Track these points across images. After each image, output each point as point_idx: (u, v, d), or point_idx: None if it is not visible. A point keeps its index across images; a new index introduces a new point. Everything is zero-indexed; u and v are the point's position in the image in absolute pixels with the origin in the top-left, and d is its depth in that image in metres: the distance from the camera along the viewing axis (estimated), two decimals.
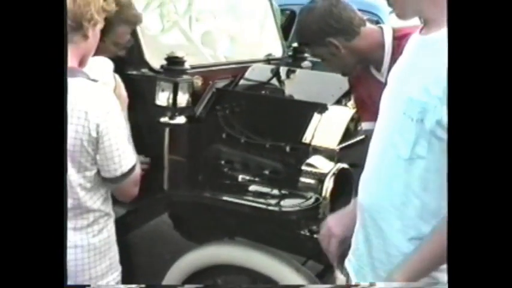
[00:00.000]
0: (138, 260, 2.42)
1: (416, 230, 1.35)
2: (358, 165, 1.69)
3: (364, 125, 2.30)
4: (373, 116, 1.51)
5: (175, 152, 2.49)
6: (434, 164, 1.30)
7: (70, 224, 1.70)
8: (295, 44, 3.17)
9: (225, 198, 2.30)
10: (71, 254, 1.71)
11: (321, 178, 2.19)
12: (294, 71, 2.94)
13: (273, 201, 2.25)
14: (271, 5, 3.43)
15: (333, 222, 1.61)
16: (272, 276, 2.17)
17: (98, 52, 2.18)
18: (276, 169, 2.39)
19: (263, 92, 2.82)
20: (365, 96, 2.27)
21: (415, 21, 1.44)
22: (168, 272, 2.38)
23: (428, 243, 1.31)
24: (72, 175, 1.67)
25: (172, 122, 2.41)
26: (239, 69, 2.84)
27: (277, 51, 3.27)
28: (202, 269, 2.33)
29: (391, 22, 2.30)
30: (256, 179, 2.41)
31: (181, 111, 2.42)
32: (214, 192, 2.37)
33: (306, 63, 3.10)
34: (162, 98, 2.39)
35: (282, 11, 4.69)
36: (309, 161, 2.25)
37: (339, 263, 1.60)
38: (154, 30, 3.01)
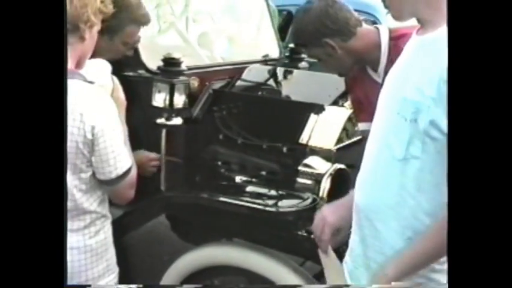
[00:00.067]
0: (136, 261, 2.42)
1: (411, 231, 1.35)
2: (355, 166, 1.69)
3: (361, 126, 2.31)
4: (370, 117, 1.51)
5: (172, 153, 2.49)
6: (428, 165, 1.30)
7: None
8: (291, 45, 3.17)
9: (222, 199, 2.31)
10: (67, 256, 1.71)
11: (318, 179, 2.19)
12: (290, 72, 2.94)
13: (270, 202, 2.26)
14: (268, 5, 3.42)
15: (328, 211, 1.61)
16: (269, 277, 2.17)
17: (106, 51, 2.22)
18: (273, 170, 2.39)
19: (260, 93, 2.82)
20: (361, 96, 2.27)
21: (412, 22, 1.45)
22: (165, 273, 2.37)
23: (422, 240, 1.32)
24: (68, 177, 1.67)
25: (169, 123, 2.41)
26: (236, 70, 2.84)
27: (274, 52, 3.27)
28: (199, 270, 2.32)
29: (388, 23, 2.30)
30: (253, 180, 2.41)
31: (178, 112, 2.42)
32: (212, 193, 2.37)
33: (302, 64, 3.10)
34: (159, 99, 2.39)
35: (279, 11, 4.69)
36: (306, 161, 2.26)
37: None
38: (151, 32, 3.01)
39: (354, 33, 2.17)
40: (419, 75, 1.30)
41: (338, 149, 2.31)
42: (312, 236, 1.66)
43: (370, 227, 1.42)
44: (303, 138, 2.32)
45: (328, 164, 2.24)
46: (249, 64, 2.91)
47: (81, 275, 1.76)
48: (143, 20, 2.35)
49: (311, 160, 2.26)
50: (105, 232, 1.83)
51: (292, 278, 2.13)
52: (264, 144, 2.39)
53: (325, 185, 2.16)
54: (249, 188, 2.37)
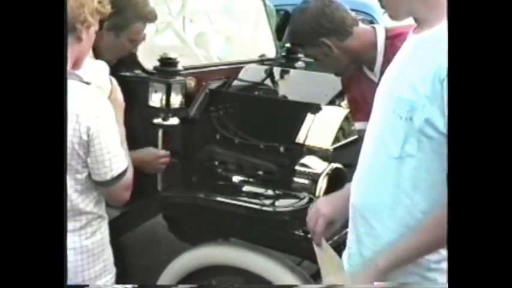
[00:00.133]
0: (133, 261, 2.42)
1: (407, 229, 1.35)
2: (351, 165, 1.69)
3: (357, 125, 2.31)
4: (366, 116, 1.51)
5: None
6: (424, 163, 1.31)
7: None
8: (288, 45, 3.17)
9: (219, 199, 2.31)
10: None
11: (314, 178, 2.19)
12: (287, 72, 2.94)
13: (267, 202, 2.26)
14: (265, 5, 3.42)
15: (321, 203, 1.61)
16: (266, 277, 2.17)
17: (113, 49, 2.26)
18: (270, 169, 2.39)
19: (256, 92, 2.82)
20: (358, 96, 2.27)
21: (409, 21, 1.45)
22: (162, 273, 2.37)
23: (415, 233, 1.33)
24: None
25: (165, 123, 2.41)
26: (232, 70, 2.84)
27: (271, 52, 3.27)
28: (196, 269, 2.32)
29: (385, 22, 2.31)
30: (250, 180, 2.41)
31: (175, 112, 2.41)
32: (209, 193, 2.37)
33: (299, 64, 3.10)
34: (155, 99, 2.39)
35: (276, 11, 4.69)
36: (303, 161, 2.26)
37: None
38: (148, 32, 3.01)
39: (351, 32, 2.16)
40: (413, 73, 1.30)
41: (335, 149, 2.31)
42: (309, 235, 1.66)
43: (365, 225, 1.43)
44: (300, 138, 2.32)
45: (325, 164, 2.24)
46: (245, 64, 2.91)
47: (78, 276, 1.76)
48: (149, 17, 2.37)
49: (308, 160, 2.26)
50: (102, 233, 1.83)
51: (289, 278, 2.13)
52: (261, 144, 2.39)
53: (322, 184, 2.16)
54: (246, 188, 2.37)
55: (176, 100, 2.40)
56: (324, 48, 2.17)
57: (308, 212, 1.61)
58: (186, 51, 3.06)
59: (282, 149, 2.35)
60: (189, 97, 2.50)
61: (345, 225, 1.55)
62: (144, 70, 2.52)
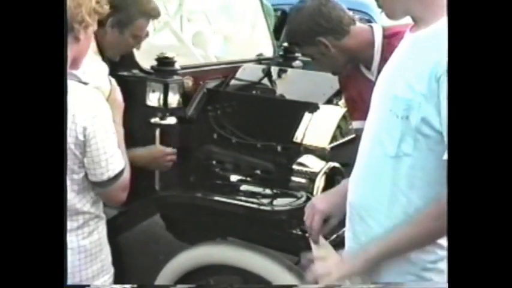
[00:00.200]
0: (131, 261, 2.41)
1: None
2: (349, 164, 1.70)
3: (355, 124, 2.30)
4: (364, 115, 1.51)
5: None
6: (420, 162, 1.31)
7: None
8: (285, 44, 3.17)
9: (216, 198, 2.31)
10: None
11: (312, 177, 2.20)
12: (285, 71, 2.95)
13: (265, 201, 2.26)
14: (262, 5, 3.43)
15: (318, 199, 1.62)
16: (264, 276, 2.17)
17: (116, 45, 2.28)
18: (267, 169, 2.39)
19: (254, 92, 2.82)
20: (355, 95, 2.27)
21: (407, 20, 1.45)
22: (160, 273, 2.37)
23: (407, 226, 1.33)
24: None
25: (163, 122, 2.41)
26: (230, 69, 2.84)
27: (268, 51, 3.27)
28: (194, 269, 2.32)
29: (383, 21, 2.31)
30: (248, 179, 2.41)
31: (172, 111, 2.42)
32: (206, 192, 2.37)
33: (297, 63, 3.10)
34: (153, 99, 2.39)
35: (274, 10, 4.69)
36: (300, 160, 2.26)
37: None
38: None
39: (348, 31, 2.16)
40: (409, 72, 1.31)
41: (332, 148, 2.31)
42: (307, 234, 1.66)
43: (362, 224, 1.43)
44: (297, 137, 2.32)
45: (323, 163, 2.24)
46: (243, 63, 2.91)
47: (75, 276, 1.75)
48: (153, 13, 2.38)
49: (305, 159, 2.26)
50: (99, 232, 1.83)
51: (287, 277, 2.13)
52: (259, 143, 2.40)
53: (320, 183, 2.16)
54: (244, 187, 2.37)
55: (174, 99, 2.40)
56: (321, 47, 2.17)
57: (305, 210, 1.61)
58: (183, 51, 3.06)
59: (279, 148, 2.35)
60: (186, 96, 2.51)
61: (343, 224, 1.56)
62: (141, 70, 2.52)
